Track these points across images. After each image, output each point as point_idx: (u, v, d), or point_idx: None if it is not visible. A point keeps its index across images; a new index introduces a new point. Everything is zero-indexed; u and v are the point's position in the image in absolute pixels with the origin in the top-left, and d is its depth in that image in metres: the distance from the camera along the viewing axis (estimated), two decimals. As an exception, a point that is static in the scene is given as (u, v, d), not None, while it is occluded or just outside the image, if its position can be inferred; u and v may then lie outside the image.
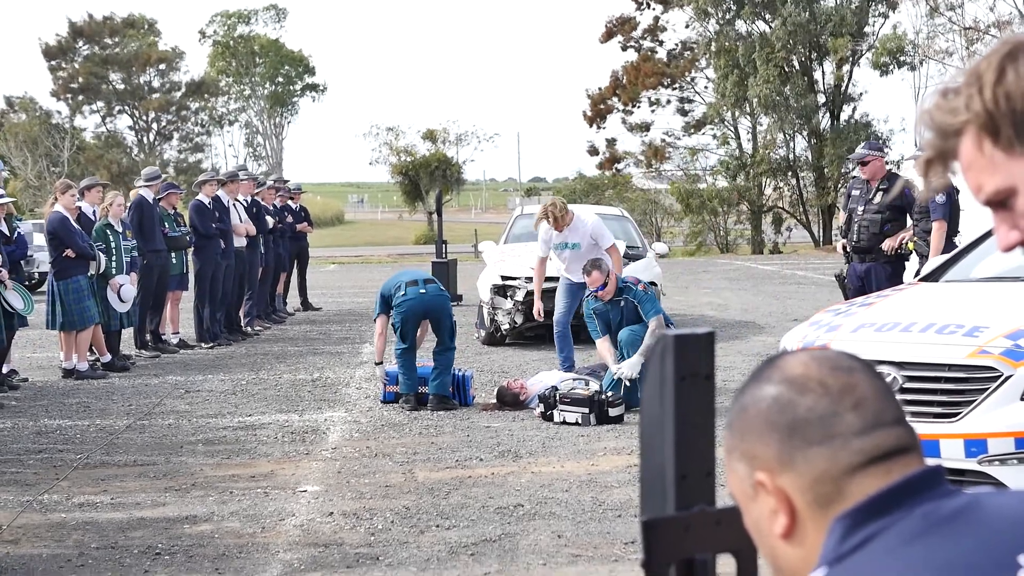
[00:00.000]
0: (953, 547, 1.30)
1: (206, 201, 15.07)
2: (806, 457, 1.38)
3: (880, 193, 10.72)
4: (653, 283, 13.13)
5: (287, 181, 20.50)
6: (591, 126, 49.20)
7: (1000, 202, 1.45)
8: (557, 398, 9.54)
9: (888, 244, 10.65)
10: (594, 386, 9.82)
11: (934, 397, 6.01)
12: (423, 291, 10.41)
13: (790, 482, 1.39)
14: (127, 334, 14.02)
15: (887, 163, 10.72)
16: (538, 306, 11.39)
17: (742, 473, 1.43)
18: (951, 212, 10.33)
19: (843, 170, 39.48)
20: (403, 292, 10.40)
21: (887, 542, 1.31)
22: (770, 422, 1.41)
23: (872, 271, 10.76)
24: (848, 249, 11.02)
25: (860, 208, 10.84)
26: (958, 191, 10.01)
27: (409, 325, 10.40)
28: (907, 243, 10.62)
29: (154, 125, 65.34)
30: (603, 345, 10.24)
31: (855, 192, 11.07)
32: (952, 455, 5.80)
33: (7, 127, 57.73)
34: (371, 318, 18.05)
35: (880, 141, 10.64)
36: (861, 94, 43.21)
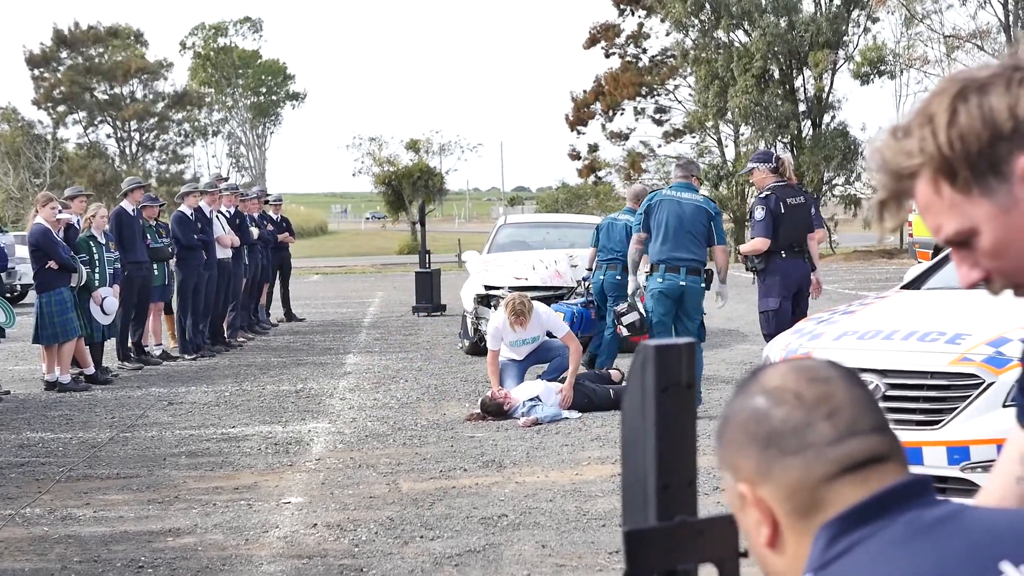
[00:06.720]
0: (936, 553, 1.30)
1: (188, 212, 15.05)
2: (782, 467, 1.38)
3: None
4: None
5: (266, 192, 20.44)
6: (572, 130, 49.26)
7: (961, 241, 1.46)
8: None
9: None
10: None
11: (917, 405, 6.03)
12: None
13: (769, 493, 1.39)
14: (109, 346, 13.97)
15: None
16: (497, 390, 10.39)
17: (729, 483, 1.44)
18: (776, 225, 9.60)
19: (820, 176, 39.62)
20: None
21: (871, 548, 1.32)
22: (748, 433, 1.42)
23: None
24: None
25: None
26: (784, 201, 9.57)
27: None
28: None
29: (136, 135, 65.12)
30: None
31: None
32: (935, 462, 5.82)
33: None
34: (354, 329, 17.95)
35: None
36: (840, 101, 43.25)
